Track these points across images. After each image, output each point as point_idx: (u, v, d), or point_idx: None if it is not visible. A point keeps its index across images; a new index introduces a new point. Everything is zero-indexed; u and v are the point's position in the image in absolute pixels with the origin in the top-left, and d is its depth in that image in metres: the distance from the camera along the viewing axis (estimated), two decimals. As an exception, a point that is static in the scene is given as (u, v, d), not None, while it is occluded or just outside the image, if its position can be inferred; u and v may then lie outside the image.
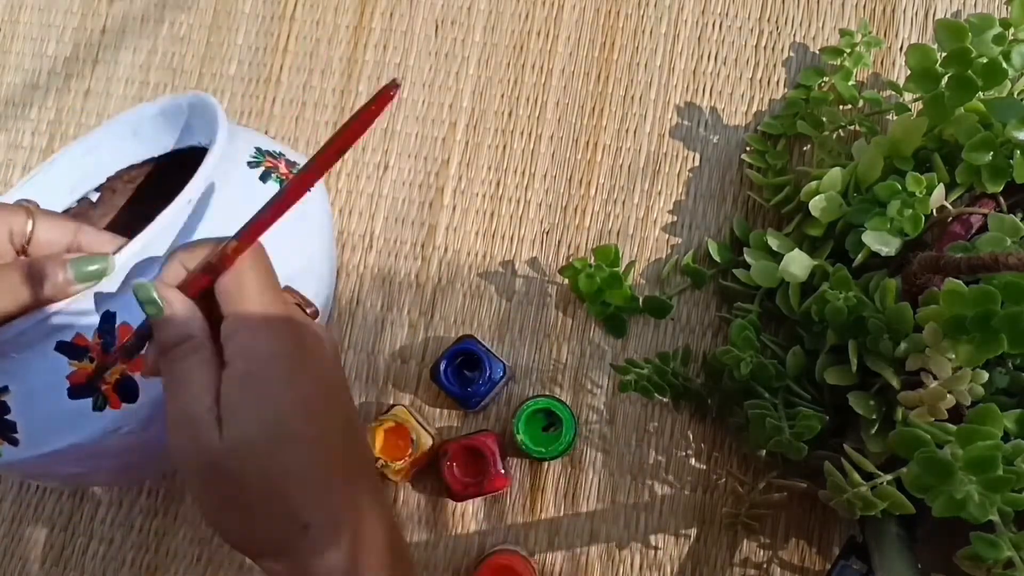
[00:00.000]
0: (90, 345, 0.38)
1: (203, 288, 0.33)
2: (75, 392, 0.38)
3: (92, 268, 0.36)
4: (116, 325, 0.38)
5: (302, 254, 0.46)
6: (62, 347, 0.38)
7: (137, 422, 0.39)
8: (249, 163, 0.44)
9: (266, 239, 0.34)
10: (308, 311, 0.38)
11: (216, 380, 0.32)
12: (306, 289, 0.43)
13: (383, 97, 0.28)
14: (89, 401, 0.38)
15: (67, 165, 0.49)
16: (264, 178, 0.44)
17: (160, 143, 0.50)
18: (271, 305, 0.33)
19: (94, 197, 0.51)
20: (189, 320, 0.32)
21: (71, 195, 0.50)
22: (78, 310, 0.37)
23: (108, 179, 0.50)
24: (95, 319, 0.38)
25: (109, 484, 0.54)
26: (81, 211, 0.51)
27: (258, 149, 0.46)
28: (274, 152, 0.47)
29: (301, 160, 0.48)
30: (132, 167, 0.51)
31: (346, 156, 0.59)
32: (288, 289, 0.38)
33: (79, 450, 0.39)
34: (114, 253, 0.37)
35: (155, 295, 0.32)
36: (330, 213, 0.52)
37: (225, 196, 0.41)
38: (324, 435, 0.34)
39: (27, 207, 0.39)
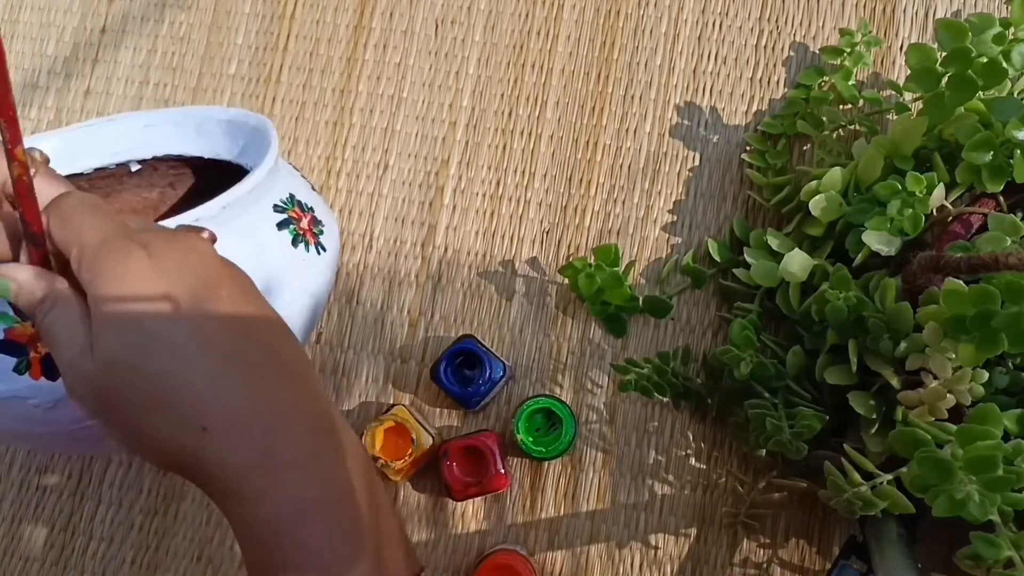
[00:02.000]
0: None
1: (44, 254, 0.34)
2: (4, 347, 0.38)
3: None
4: None
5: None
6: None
7: (47, 399, 0.39)
8: (276, 207, 0.45)
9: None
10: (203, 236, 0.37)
11: (80, 320, 0.32)
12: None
13: None
14: (13, 361, 0.38)
15: (122, 129, 0.50)
16: (282, 226, 0.44)
17: (215, 148, 0.50)
18: (103, 230, 0.32)
19: (134, 168, 0.51)
20: (34, 283, 0.33)
21: (112, 157, 0.50)
22: None
23: (154, 158, 0.51)
24: None
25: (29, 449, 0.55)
26: (117, 175, 0.51)
27: (291, 196, 0.46)
28: (304, 205, 0.47)
29: (327, 219, 0.48)
30: (180, 158, 0.51)
31: (346, 156, 0.59)
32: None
33: None
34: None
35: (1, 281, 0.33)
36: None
37: (237, 230, 0.41)
38: (204, 332, 0.32)
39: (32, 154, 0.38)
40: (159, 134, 0.50)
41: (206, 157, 0.50)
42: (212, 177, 0.49)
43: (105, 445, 0.46)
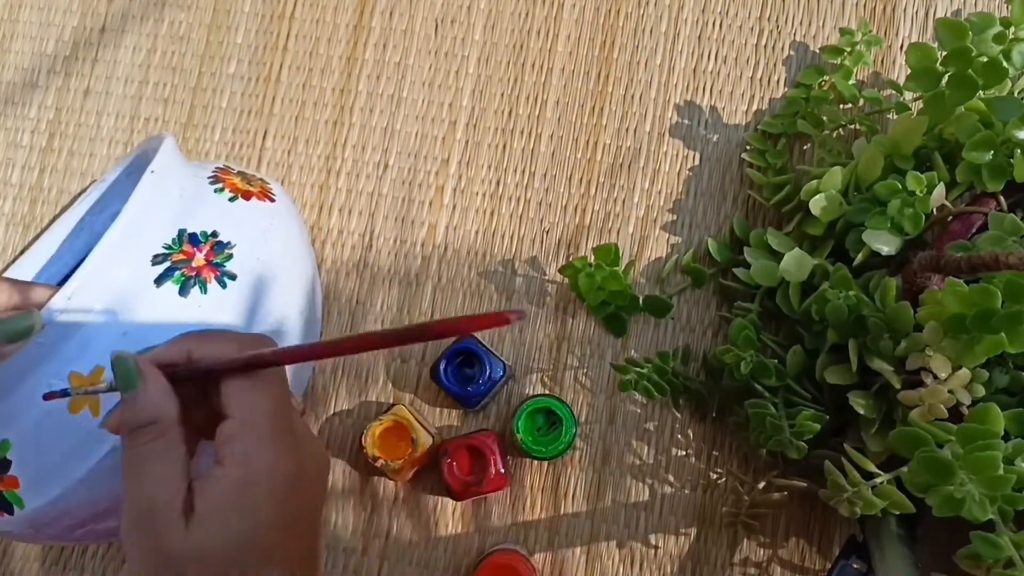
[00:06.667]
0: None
1: (199, 377, 0.33)
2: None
3: (20, 327, 0.35)
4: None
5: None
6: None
7: (24, 527, 0.40)
8: (156, 257, 0.41)
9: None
10: (296, 407, 0.38)
11: (180, 472, 0.31)
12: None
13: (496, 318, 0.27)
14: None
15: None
16: (163, 279, 0.41)
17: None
18: (282, 423, 0.33)
19: None
20: (161, 403, 0.32)
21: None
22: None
23: None
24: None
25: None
26: None
27: (180, 234, 0.43)
28: (201, 235, 0.43)
29: (242, 230, 0.45)
30: None
31: (346, 155, 0.59)
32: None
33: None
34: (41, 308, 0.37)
35: (134, 371, 0.32)
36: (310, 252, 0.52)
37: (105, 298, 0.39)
38: (296, 548, 0.33)
39: None
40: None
41: None
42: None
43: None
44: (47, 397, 0.35)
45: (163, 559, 0.30)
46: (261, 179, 0.50)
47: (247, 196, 0.47)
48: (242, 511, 0.31)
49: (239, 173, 0.49)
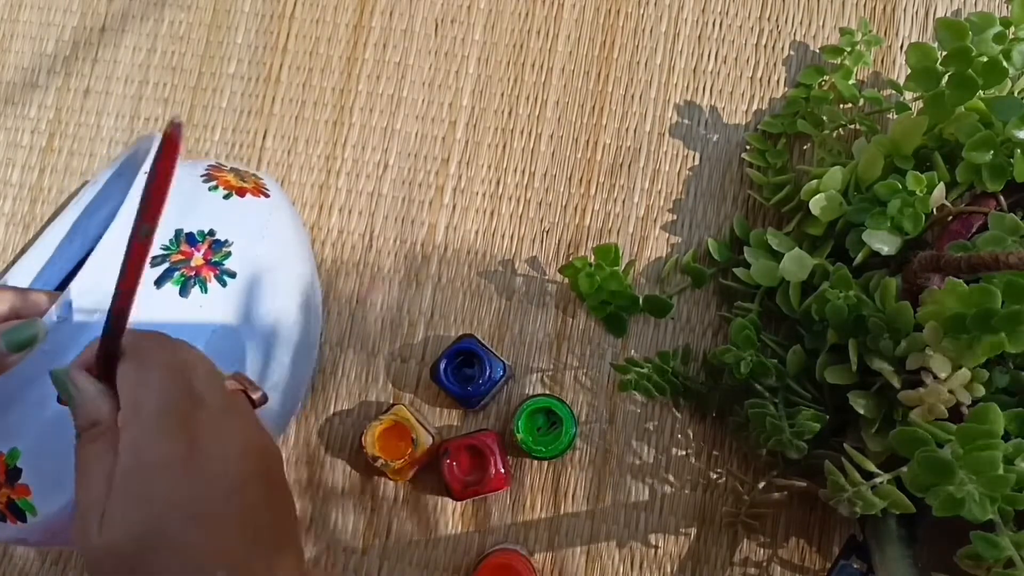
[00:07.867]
0: None
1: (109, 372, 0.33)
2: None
3: (24, 336, 0.35)
4: None
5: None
6: None
7: (39, 534, 0.40)
8: (153, 259, 0.41)
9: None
10: (253, 396, 0.36)
11: (108, 474, 0.31)
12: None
13: (169, 143, 0.27)
14: None
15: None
16: (163, 280, 0.41)
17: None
18: (174, 407, 0.32)
19: None
20: (97, 404, 0.32)
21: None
22: None
23: None
24: None
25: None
26: None
27: (176, 234, 0.43)
28: (198, 234, 0.43)
29: (239, 226, 0.45)
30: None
31: (346, 155, 0.59)
32: (236, 375, 0.37)
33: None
34: (43, 316, 0.37)
35: (63, 380, 0.32)
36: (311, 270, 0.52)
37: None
38: (219, 542, 0.31)
39: None
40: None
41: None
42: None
43: None
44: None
45: (89, 560, 0.30)
46: (254, 175, 0.50)
47: (241, 193, 0.47)
48: (137, 499, 0.30)
49: (232, 170, 0.49)
